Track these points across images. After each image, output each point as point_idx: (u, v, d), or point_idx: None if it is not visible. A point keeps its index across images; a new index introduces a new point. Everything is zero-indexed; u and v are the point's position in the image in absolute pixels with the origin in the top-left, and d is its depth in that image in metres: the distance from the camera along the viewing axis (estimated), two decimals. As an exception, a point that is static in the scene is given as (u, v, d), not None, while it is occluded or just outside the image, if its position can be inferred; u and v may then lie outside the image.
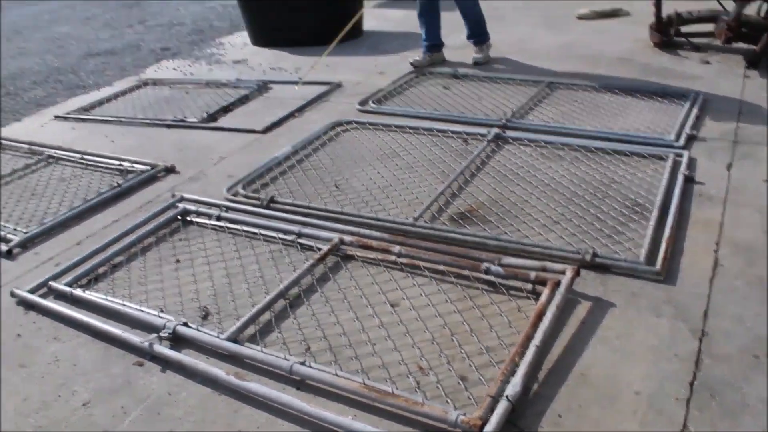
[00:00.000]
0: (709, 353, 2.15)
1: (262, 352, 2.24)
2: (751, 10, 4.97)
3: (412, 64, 5.31)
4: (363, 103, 4.55)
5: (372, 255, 2.78)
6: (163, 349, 2.30)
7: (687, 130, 3.66)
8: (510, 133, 3.83)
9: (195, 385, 2.19)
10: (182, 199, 3.35)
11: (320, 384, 2.12)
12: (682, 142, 3.55)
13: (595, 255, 2.62)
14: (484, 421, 1.87)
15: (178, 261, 2.89)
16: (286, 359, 2.18)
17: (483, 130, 3.87)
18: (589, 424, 1.92)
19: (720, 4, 5.18)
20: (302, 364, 2.16)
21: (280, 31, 6.34)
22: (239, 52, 6.51)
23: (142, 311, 2.52)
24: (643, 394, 2.01)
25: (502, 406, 1.91)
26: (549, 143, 3.68)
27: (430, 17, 5.27)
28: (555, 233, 2.85)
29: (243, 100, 4.87)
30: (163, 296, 2.66)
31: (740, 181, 3.16)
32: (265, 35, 6.52)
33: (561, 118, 4.07)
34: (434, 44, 5.35)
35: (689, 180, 3.17)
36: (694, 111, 3.95)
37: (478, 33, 5.33)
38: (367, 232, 2.90)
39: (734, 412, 1.92)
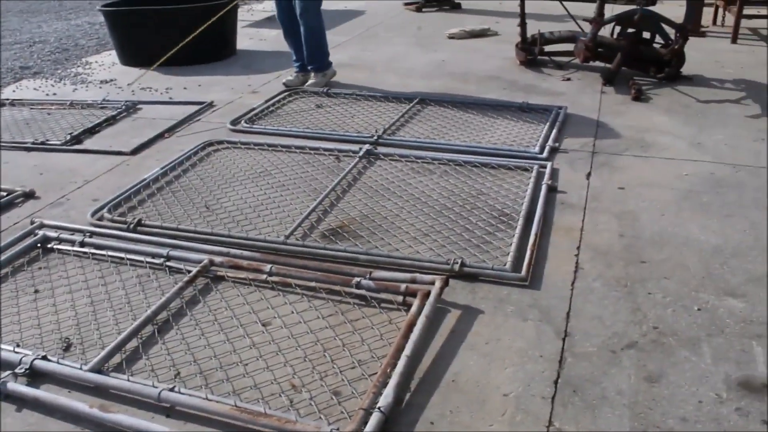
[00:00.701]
0: (572, 352, 2.26)
1: (128, 381, 2.13)
2: (605, 32, 5.34)
3: (284, 84, 5.29)
4: (235, 122, 4.48)
5: (243, 275, 2.72)
6: (18, 387, 2.13)
7: (550, 142, 3.87)
8: (381, 149, 3.90)
9: (55, 422, 2.04)
10: (42, 226, 3.14)
11: (190, 410, 2.03)
12: (545, 154, 3.74)
13: (463, 264, 2.70)
14: (358, 434, 1.88)
15: (36, 291, 2.71)
16: (154, 386, 2.08)
17: (355, 147, 3.91)
18: (460, 428, 1.96)
19: (578, 25, 5.54)
20: (171, 390, 2.07)
21: (150, 51, 6.13)
22: (107, 72, 6.24)
23: (-7, 348, 2.34)
24: (510, 396, 2.08)
25: (375, 418, 1.91)
26: (419, 158, 3.77)
27: (294, 36, 5.26)
28: (425, 245, 2.91)
29: (110, 121, 4.66)
30: (20, 330, 2.47)
31: (598, 189, 3.37)
32: (134, 54, 6.29)
33: (431, 134, 4.18)
34: (304, 63, 5.36)
35: (552, 189, 3.34)
36: (557, 125, 4.19)
37: (316, 60, 5.33)
38: (237, 252, 2.84)
39: (595, 406, 2.02)
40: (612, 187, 3.39)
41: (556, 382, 2.13)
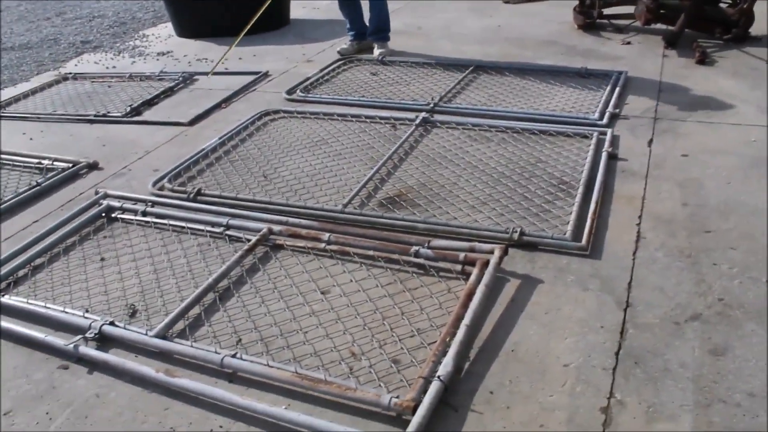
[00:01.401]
0: (633, 323, 2.21)
1: (191, 347, 2.19)
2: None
3: (339, 52, 5.27)
4: (290, 91, 4.49)
5: (302, 243, 2.75)
6: (89, 351, 2.22)
7: (610, 108, 3.75)
8: (438, 117, 3.85)
9: (124, 385, 2.12)
10: (106, 196, 3.23)
11: (252, 375, 2.09)
12: (605, 120, 3.63)
13: (522, 233, 2.66)
14: (417, 402, 1.88)
15: (103, 259, 2.80)
16: (216, 353, 2.14)
17: (411, 115, 3.88)
18: (520, 398, 1.95)
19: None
20: (233, 356, 2.12)
21: (205, 22, 6.21)
22: (164, 44, 6.34)
23: (65, 313, 2.42)
24: (571, 366, 2.06)
25: (434, 387, 1.92)
26: (476, 125, 3.71)
27: (350, 7, 5.24)
28: (483, 214, 2.88)
29: (168, 93, 4.74)
30: (88, 296, 2.57)
31: (660, 156, 3.26)
32: (190, 26, 6.37)
33: (488, 101, 4.11)
34: (359, 32, 5.32)
35: (612, 157, 3.25)
36: (617, 90, 4.06)
37: (387, 28, 5.30)
38: (295, 220, 2.87)
39: (657, 378, 1.98)
40: (675, 154, 3.27)
41: (617, 354, 2.09)
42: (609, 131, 3.47)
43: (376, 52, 5.21)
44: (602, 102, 3.88)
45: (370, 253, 2.64)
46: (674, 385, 1.96)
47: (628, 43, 5.16)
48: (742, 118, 3.65)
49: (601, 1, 5.49)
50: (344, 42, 5.40)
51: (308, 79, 4.73)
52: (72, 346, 2.23)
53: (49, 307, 2.47)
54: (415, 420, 1.82)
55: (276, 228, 2.80)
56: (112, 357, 2.19)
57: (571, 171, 3.16)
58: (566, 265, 2.53)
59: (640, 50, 4.98)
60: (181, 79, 4.97)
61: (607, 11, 5.54)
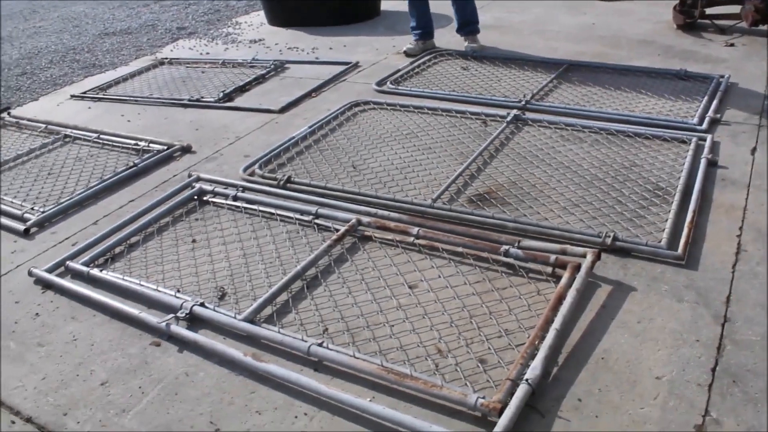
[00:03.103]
0: (732, 339, 2.11)
1: (279, 333, 2.23)
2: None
3: (405, 53, 5.18)
4: (381, 83, 4.50)
5: (390, 236, 2.75)
6: (180, 330, 2.30)
7: (710, 113, 3.59)
8: (530, 115, 3.78)
9: (212, 366, 2.18)
10: (198, 179, 3.33)
11: (338, 366, 2.10)
12: (705, 125, 3.48)
13: (615, 239, 2.58)
14: (504, 404, 1.85)
15: (194, 241, 2.88)
16: (303, 340, 2.17)
17: (502, 112, 3.82)
18: (609, 408, 1.90)
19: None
20: (320, 345, 2.14)
21: (297, 11, 6.29)
22: (256, 32, 6.47)
23: (158, 291, 2.52)
24: (664, 379, 1.98)
25: (522, 390, 1.89)
26: (569, 125, 3.62)
27: (419, 4, 5.15)
28: (575, 216, 2.81)
29: (259, 80, 4.84)
30: (180, 276, 2.65)
31: (764, 165, 3.09)
32: (282, 15, 6.46)
33: (581, 101, 4.01)
34: (426, 31, 5.20)
35: (712, 164, 3.11)
36: (718, 94, 3.87)
37: (476, 20, 5.21)
38: (385, 213, 2.87)
39: (757, 399, 1.89)
40: (781, 164, 3.11)
41: (713, 370, 2.00)
42: (709, 137, 3.32)
43: (467, 46, 5.15)
44: (702, 106, 3.71)
45: (459, 249, 2.62)
46: (775, 408, 1.87)
47: (732, 44, 4.92)
48: None
49: (704, 0, 5.26)
50: (409, 41, 5.28)
51: (399, 71, 4.72)
52: (164, 324, 2.31)
53: (143, 285, 2.56)
54: (502, 422, 1.79)
55: (365, 219, 2.82)
56: (202, 337, 2.26)
57: (667, 177, 3.04)
58: (660, 274, 2.44)
59: (744, 53, 4.73)
60: (272, 66, 5.06)
61: (709, 11, 5.29)
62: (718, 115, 3.61)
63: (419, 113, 4.01)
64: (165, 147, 3.75)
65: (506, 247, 2.55)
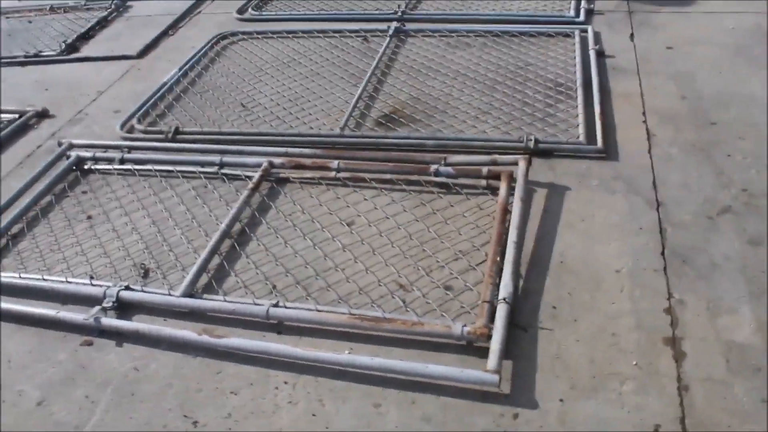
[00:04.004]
0: (669, 222, 2.20)
1: (227, 301, 2.03)
2: None
3: None
4: (241, 11, 4.15)
5: (309, 174, 2.58)
6: (112, 321, 2.02)
7: (584, 4, 3.65)
8: (410, 26, 3.65)
9: (162, 354, 1.95)
10: (71, 146, 2.90)
11: (302, 323, 1.96)
12: (582, 17, 3.54)
13: (537, 141, 2.57)
14: (490, 327, 1.81)
15: (89, 217, 2.53)
16: (257, 304, 1.99)
17: (381, 26, 3.67)
18: (583, 309, 1.92)
19: None
20: (276, 306, 1.97)
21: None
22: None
23: (68, 283, 2.18)
24: (623, 272, 2.03)
25: (502, 309, 1.85)
26: (453, 31, 3.55)
27: None
28: (488, 124, 2.77)
29: (102, 23, 4.29)
30: (87, 260, 2.33)
31: (646, 51, 3.21)
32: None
33: (456, 5, 3.93)
34: None
35: (600, 54, 3.18)
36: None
37: None
38: (296, 150, 2.67)
39: (707, 274, 1.99)
40: (659, 47, 3.23)
41: (663, 254, 2.08)
42: (589, 28, 3.38)
43: None
44: (574, -2, 3.77)
45: (387, 176, 2.50)
46: (725, 278, 1.97)
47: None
48: (715, 5, 3.63)
49: None
50: None
51: (257, -5, 4.36)
52: (92, 318, 2.01)
53: (46, 279, 2.21)
54: (494, 346, 1.75)
55: (277, 161, 2.60)
56: (144, 325, 2.00)
57: (563, 72, 3.08)
58: (587, 169, 2.48)
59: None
60: (113, 6, 4.49)
61: None
62: (592, 5, 3.68)
63: (294, 38, 3.75)
64: (16, 115, 3.23)
65: (435, 166, 2.47)
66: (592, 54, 3.13)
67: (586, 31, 3.37)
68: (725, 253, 2.06)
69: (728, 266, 2.01)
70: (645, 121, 2.70)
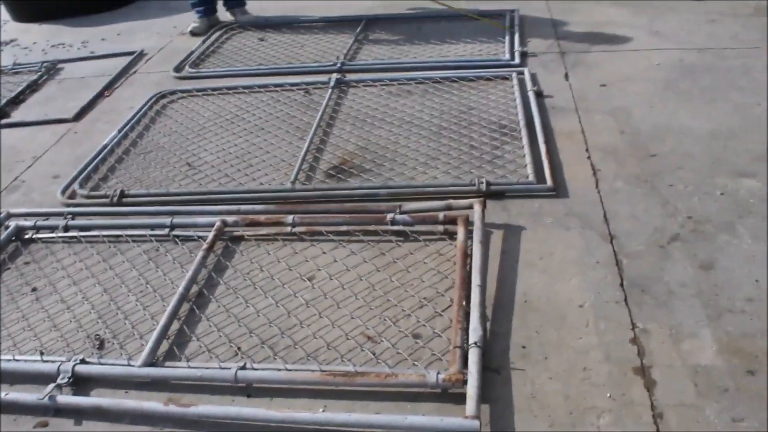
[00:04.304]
0: (624, 253, 2.25)
1: (191, 368, 1.95)
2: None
3: (191, 32, 4.77)
4: (178, 68, 4.12)
5: (264, 231, 2.53)
6: (69, 399, 1.90)
7: (517, 48, 3.78)
8: (350, 76, 3.69)
9: (127, 428, 1.84)
10: (9, 216, 2.77)
11: (273, 384, 1.89)
12: (517, 60, 3.66)
13: (488, 183, 2.62)
14: (464, 373, 1.80)
15: (34, 289, 2.41)
16: (224, 368, 1.92)
17: (322, 78, 3.69)
18: (552, 347, 1.93)
19: None
20: (243, 368, 1.91)
21: (46, 2, 5.51)
22: (2, 33, 5.55)
23: (16, 361, 2.05)
24: (586, 306, 2.06)
25: (474, 354, 1.83)
26: (393, 80, 3.60)
27: None
28: (438, 169, 2.80)
29: (33, 87, 4.16)
30: (35, 336, 2.20)
31: (581, 89, 3.34)
32: (28, 7, 5.63)
33: (394, 54, 4.00)
34: (209, 6, 4.82)
35: (539, 95, 3.28)
36: (516, 28, 4.09)
37: None
38: (248, 207, 2.62)
39: (666, 302, 2.04)
40: (593, 85, 3.36)
41: (622, 285, 2.13)
42: (525, 70, 3.50)
43: (237, 19, 4.87)
44: (507, 41, 3.90)
45: (344, 228, 2.48)
46: (683, 304, 2.03)
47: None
48: (639, 43, 3.81)
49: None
50: (193, 21, 4.87)
51: (192, 53, 4.34)
52: (47, 398, 1.88)
53: (-9, 358, 2.07)
54: (470, 391, 1.73)
55: (230, 219, 2.55)
56: (105, 400, 1.89)
57: (505, 114, 3.15)
58: (539, 208, 2.53)
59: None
60: (43, 69, 4.37)
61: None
62: (525, 48, 3.82)
63: (235, 94, 3.73)
64: (-54, 187, 3.07)
65: (390, 215, 2.47)
66: (531, 95, 3.23)
67: (522, 73, 3.48)
68: (680, 279, 2.12)
69: (684, 292, 2.07)
70: (589, 157, 2.79)
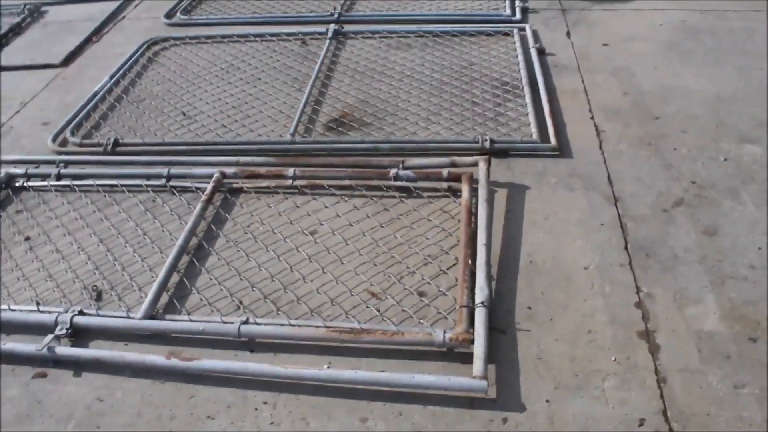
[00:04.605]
0: (629, 216, 2.24)
1: (193, 321, 1.92)
2: None
3: None
4: (170, 15, 3.98)
5: (264, 183, 2.48)
6: (68, 350, 1.88)
7: (519, 2, 3.69)
8: (348, 27, 3.59)
9: (127, 381, 1.82)
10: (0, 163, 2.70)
11: (276, 339, 1.88)
12: (518, 15, 3.58)
13: (492, 141, 2.58)
14: (471, 332, 1.79)
15: (27, 238, 2.35)
16: (226, 322, 1.89)
17: (320, 28, 3.58)
18: (558, 308, 1.92)
19: None
20: (246, 323, 1.88)
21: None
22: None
23: (12, 311, 2.01)
24: (591, 268, 2.05)
25: (481, 314, 1.83)
26: (392, 32, 3.51)
27: None
28: (440, 125, 2.75)
29: (16, 30, 4.01)
30: (30, 286, 2.16)
31: (584, 48, 3.28)
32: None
33: (392, 6, 3.90)
34: None
35: (541, 52, 3.22)
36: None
37: None
38: (248, 159, 2.57)
39: (670, 266, 2.04)
40: (596, 44, 3.31)
41: (626, 248, 2.12)
42: (527, 26, 3.43)
43: None
44: (509, -4, 3.82)
45: (346, 182, 2.44)
46: (687, 269, 2.03)
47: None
48: (640, 3, 3.74)
49: None
50: None
51: (183, -1, 4.20)
52: (46, 348, 1.85)
53: (-13, 308, 2.03)
54: (478, 351, 1.73)
55: (229, 171, 2.49)
56: (104, 352, 1.87)
57: (507, 71, 3.10)
58: (543, 168, 2.50)
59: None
60: (26, 11, 4.20)
61: None
62: (526, 4, 3.73)
63: (230, 42, 3.62)
64: (-68, 132, 2.96)
65: (394, 170, 2.43)
66: (533, 52, 3.17)
67: (524, 29, 3.41)
68: (684, 244, 2.12)
69: (688, 257, 2.07)
70: (592, 118, 2.75)
